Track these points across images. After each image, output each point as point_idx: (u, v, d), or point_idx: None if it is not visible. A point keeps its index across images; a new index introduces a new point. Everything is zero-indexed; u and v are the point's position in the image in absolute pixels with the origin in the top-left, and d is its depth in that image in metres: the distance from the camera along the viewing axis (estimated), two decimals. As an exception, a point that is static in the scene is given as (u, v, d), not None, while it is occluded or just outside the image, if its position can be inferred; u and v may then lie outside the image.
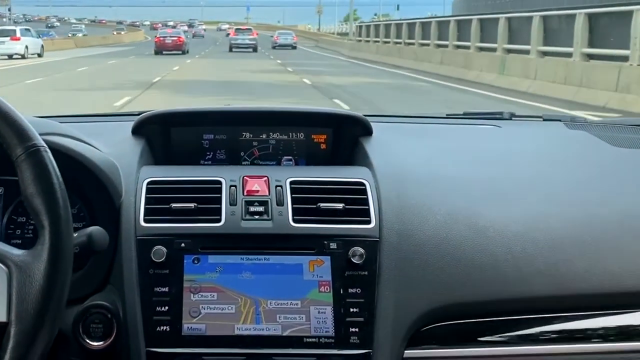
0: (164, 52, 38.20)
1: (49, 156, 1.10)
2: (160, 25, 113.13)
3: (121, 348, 1.35)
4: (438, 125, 2.18)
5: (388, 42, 33.71)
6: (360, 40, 41.65)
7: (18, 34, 31.53)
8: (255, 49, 43.46)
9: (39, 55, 33.05)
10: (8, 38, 31.03)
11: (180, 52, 38.45)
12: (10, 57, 31.13)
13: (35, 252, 1.07)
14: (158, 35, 40.49)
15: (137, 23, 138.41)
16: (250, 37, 45.08)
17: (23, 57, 31.09)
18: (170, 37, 39.48)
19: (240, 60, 32.83)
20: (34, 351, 1.03)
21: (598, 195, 1.63)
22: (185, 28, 73.11)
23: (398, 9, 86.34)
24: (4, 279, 1.05)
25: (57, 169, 1.11)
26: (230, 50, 43.70)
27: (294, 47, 50.40)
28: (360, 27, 44.41)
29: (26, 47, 31.61)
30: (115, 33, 79.37)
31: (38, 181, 1.08)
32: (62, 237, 1.07)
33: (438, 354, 1.43)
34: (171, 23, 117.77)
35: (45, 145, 1.11)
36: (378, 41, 36.05)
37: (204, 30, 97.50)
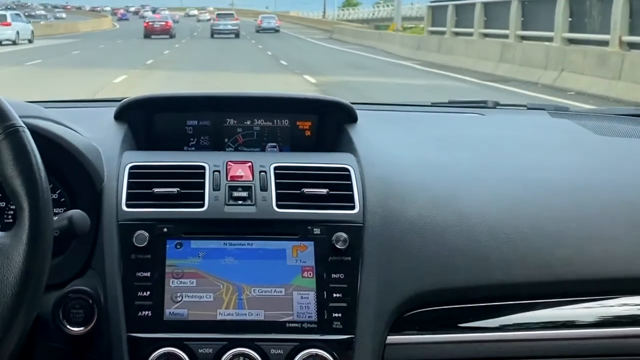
0: (152, 37, 39.35)
1: (28, 137, 1.08)
2: (122, 11, 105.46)
3: (102, 333, 1.33)
4: (423, 113, 2.17)
5: (546, 40, 16.96)
6: (435, 33, 24.87)
7: (9, 19, 30.75)
8: (237, 35, 41.39)
9: (30, 41, 32.07)
10: None
11: (167, 36, 39.68)
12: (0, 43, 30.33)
13: (13, 233, 1.04)
14: (147, 21, 42.06)
15: (98, 9, 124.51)
16: (232, 23, 42.68)
17: (14, 43, 30.40)
18: (159, 22, 41.11)
19: (240, 75, 17.95)
20: (10, 335, 1.00)
21: (581, 182, 1.62)
22: (150, 14, 69.42)
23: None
24: None
25: (36, 150, 1.08)
26: (212, 36, 40.97)
27: (277, 31, 48.91)
28: (435, 7, 26.11)
29: (17, 32, 30.98)
30: (42, 23, 55.29)
31: (16, 162, 1.05)
32: (41, 219, 1.05)
33: (421, 339, 1.42)
34: (133, 9, 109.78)
35: (24, 126, 1.08)
36: (499, 36, 19.52)
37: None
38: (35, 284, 1.03)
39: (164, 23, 41.01)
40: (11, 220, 1.45)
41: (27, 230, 1.04)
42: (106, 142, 1.54)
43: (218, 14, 43.83)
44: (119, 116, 1.71)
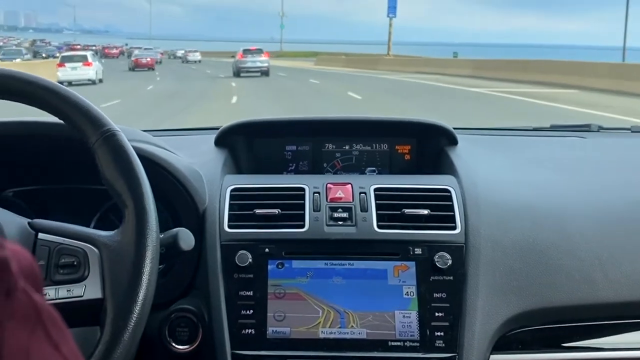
0: (136, 69, 45.70)
1: (124, 139, 1.18)
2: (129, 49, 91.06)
3: (207, 351, 1.43)
4: (524, 137, 2.21)
5: None
6: None
7: (90, 59, 31.28)
8: (266, 73, 35.86)
9: (101, 81, 31.90)
10: (80, 63, 30.46)
11: (152, 69, 46.42)
12: (70, 83, 28.99)
13: (122, 231, 1.15)
14: (135, 57, 49.27)
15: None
16: (261, 59, 36.80)
17: (94, 83, 30.90)
18: (145, 58, 48.92)
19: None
20: (130, 326, 1.09)
21: None
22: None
23: None
24: (96, 259, 1.14)
25: (133, 150, 1.18)
26: (238, 75, 35.56)
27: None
28: None
29: (96, 72, 31.71)
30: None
31: (116, 163, 1.15)
32: (146, 212, 1.14)
33: (524, 359, 1.47)
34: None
35: (119, 129, 1.18)
36: None
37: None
38: (147, 274, 1.12)
39: (149, 59, 48.46)
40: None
41: (134, 225, 1.13)
42: (208, 166, 1.66)
43: (244, 50, 36.79)
44: (219, 141, 1.83)
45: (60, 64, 30.93)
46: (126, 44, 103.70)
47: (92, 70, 31.02)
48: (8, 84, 1.16)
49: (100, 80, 31.92)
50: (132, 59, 49.86)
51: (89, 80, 30.56)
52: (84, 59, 31.38)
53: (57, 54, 49.93)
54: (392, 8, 59.72)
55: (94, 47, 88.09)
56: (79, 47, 76.13)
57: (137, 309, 1.09)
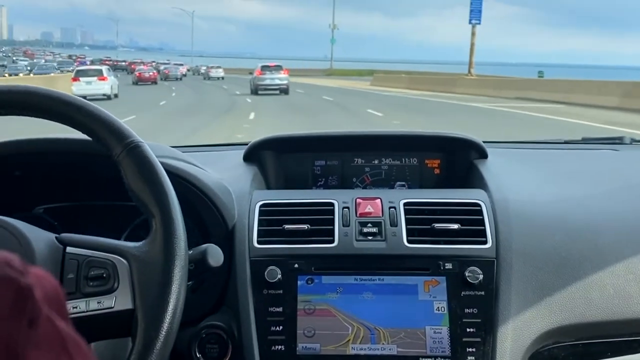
0: (139, 83, 49.07)
1: (148, 150, 1.19)
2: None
3: None
4: (555, 150, 2.21)
5: None
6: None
7: (105, 74, 31.37)
8: (286, 92, 34.64)
9: (116, 96, 31.86)
10: (95, 78, 30.64)
11: (154, 83, 49.75)
12: (84, 98, 29.91)
13: (149, 240, 1.17)
14: (138, 72, 52.65)
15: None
16: (280, 77, 35.25)
17: (109, 98, 30.95)
18: (147, 72, 52.63)
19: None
20: (162, 335, 1.10)
21: None
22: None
23: None
24: (125, 270, 1.16)
25: (157, 161, 1.19)
26: (256, 93, 34.17)
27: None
28: None
29: (111, 87, 31.85)
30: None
31: (141, 173, 1.16)
32: (173, 221, 1.15)
33: None
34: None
35: (143, 141, 1.20)
36: None
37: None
38: (176, 282, 1.13)
39: (152, 74, 51.75)
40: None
41: (162, 234, 1.15)
42: (237, 182, 1.68)
43: (262, 67, 35.34)
44: (248, 157, 1.86)
45: (75, 78, 31.11)
46: (168, 60, 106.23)
47: (107, 84, 31.10)
48: (29, 100, 1.17)
49: (116, 95, 31.91)
50: (136, 73, 52.10)
51: (104, 95, 30.56)
52: (98, 74, 31.52)
53: (57, 72, 51.81)
54: (476, 12, 45.80)
55: (124, 63, 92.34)
56: (109, 62, 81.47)
57: (168, 317, 1.11)
